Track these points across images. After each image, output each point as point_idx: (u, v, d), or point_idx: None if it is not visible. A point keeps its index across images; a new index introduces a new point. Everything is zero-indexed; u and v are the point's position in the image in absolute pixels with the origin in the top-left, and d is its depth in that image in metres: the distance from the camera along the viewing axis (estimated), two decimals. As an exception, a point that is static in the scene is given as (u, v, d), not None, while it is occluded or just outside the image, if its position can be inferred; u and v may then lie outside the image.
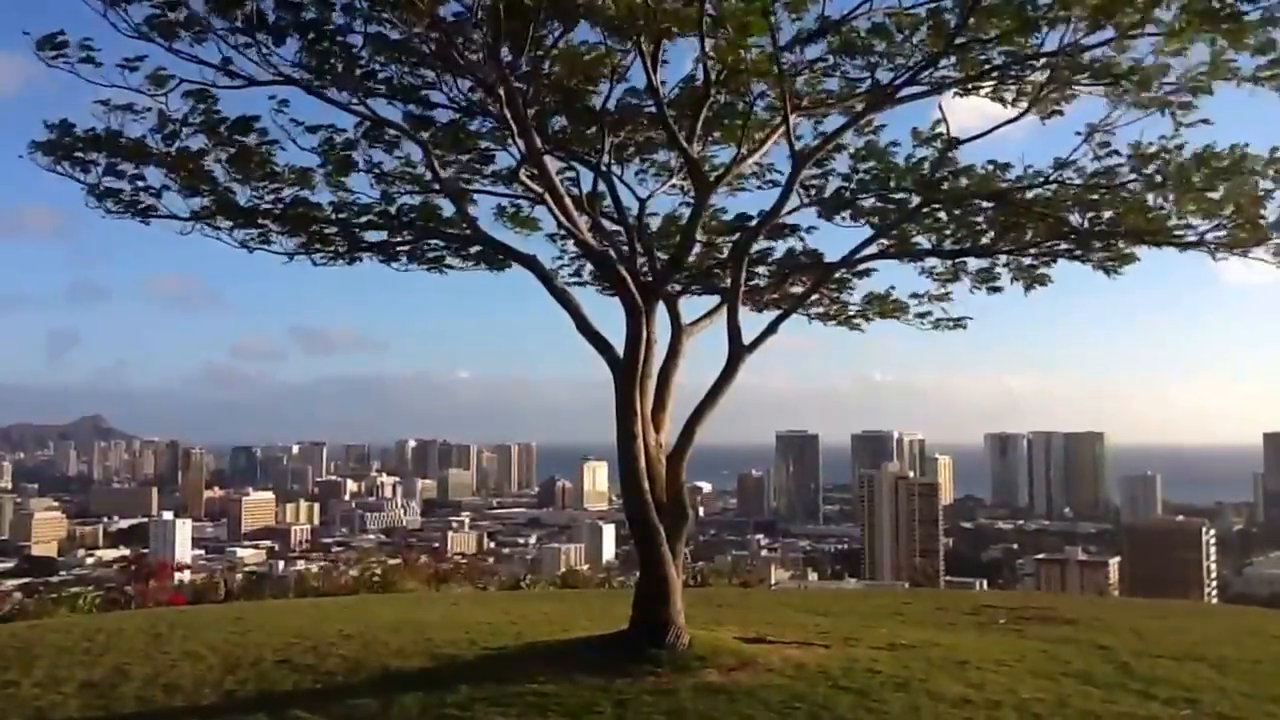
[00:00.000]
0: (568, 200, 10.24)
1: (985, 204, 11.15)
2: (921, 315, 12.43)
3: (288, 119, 9.89)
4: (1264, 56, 8.79)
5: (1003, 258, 11.60)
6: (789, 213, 11.21)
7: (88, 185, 9.98)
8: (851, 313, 12.83)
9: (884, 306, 12.45)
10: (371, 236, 11.37)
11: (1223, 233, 10.34)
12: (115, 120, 9.53)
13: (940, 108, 10.46)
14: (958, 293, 12.20)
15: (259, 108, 10.02)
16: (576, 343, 10.01)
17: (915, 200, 11.18)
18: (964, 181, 10.99)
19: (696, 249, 11.77)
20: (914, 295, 12.31)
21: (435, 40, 9.44)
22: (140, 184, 10.14)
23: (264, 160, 10.18)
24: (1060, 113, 10.10)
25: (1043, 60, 9.31)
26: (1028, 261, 11.62)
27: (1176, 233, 10.54)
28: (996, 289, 11.87)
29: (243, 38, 9.24)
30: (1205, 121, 9.58)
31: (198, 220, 10.50)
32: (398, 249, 11.59)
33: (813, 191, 11.71)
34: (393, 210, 11.13)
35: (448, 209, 11.17)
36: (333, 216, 10.91)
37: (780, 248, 12.43)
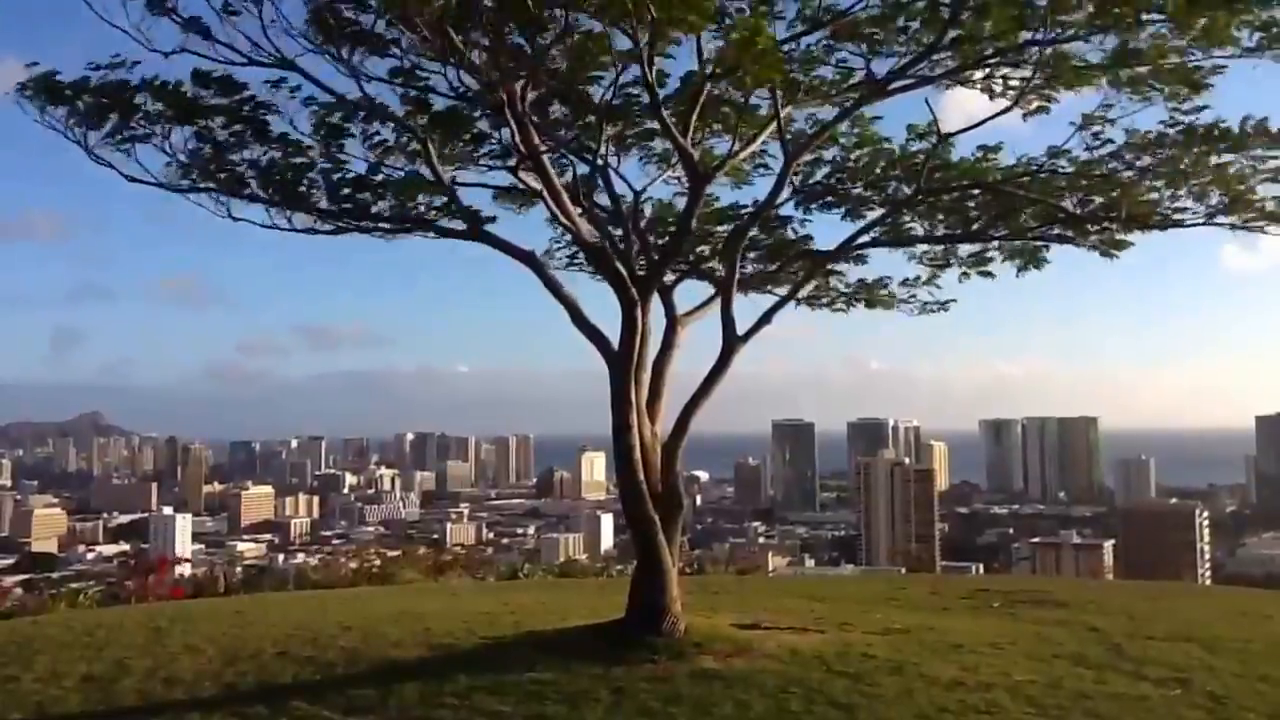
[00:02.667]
0: (564, 195, 10.25)
1: (976, 191, 11.17)
2: (907, 301, 12.49)
3: (285, 94, 9.80)
4: (1263, 33, 8.79)
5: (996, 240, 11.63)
6: (782, 203, 11.23)
7: (67, 115, 9.65)
8: (837, 295, 12.82)
9: (871, 295, 12.49)
10: (358, 199, 11.14)
11: (1224, 217, 10.34)
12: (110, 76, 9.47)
13: (928, 103, 10.47)
14: (949, 279, 12.27)
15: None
16: (574, 333, 10.06)
17: (907, 190, 11.20)
18: (955, 170, 11.00)
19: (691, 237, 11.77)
20: (904, 283, 12.37)
21: (436, 30, 9.37)
22: (124, 123, 9.86)
23: (256, 120, 10.05)
24: (1046, 110, 10.06)
25: (1036, 53, 9.29)
26: (1026, 246, 11.64)
27: (1174, 215, 10.55)
28: (988, 273, 11.94)
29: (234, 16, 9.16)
30: (1204, 107, 9.59)
31: (184, 182, 10.28)
32: (381, 217, 11.27)
33: (798, 179, 11.71)
34: (378, 179, 11.02)
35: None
36: (318, 179, 10.64)
37: (772, 239, 12.44)
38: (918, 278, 12.26)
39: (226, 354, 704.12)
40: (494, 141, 11.21)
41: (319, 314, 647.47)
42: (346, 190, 10.81)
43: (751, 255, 12.40)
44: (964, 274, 12.01)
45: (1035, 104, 10.00)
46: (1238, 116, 9.71)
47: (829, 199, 11.73)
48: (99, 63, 9.36)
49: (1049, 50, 9.14)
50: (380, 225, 11.21)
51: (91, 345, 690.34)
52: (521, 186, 11.24)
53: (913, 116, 11.03)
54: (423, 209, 11.24)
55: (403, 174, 10.88)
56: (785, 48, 9.67)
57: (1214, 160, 9.92)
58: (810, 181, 11.75)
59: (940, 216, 11.74)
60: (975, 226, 11.59)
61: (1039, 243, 11.55)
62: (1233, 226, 10.50)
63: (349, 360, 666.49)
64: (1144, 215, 10.60)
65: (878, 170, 11.38)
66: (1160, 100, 9.64)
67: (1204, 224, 10.52)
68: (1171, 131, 9.86)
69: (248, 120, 10.01)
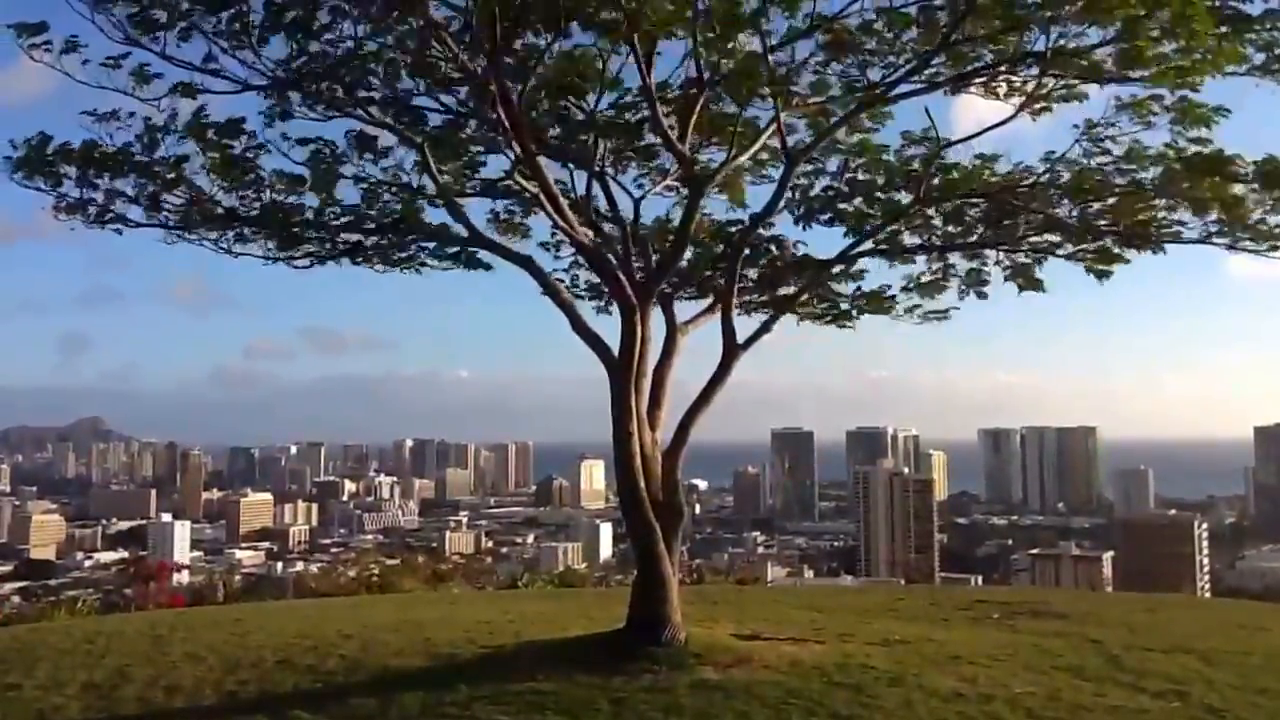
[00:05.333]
0: (563, 201, 10.32)
1: (975, 198, 11.20)
2: (910, 309, 12.47)
3: (279, 134, 10.03)
4: (1267, 53, 8.85)
5: (993, 256, 11.66)
6: (779, 211, 11.28)
7: (56, 197, 10.02)
8: (842, 308, 12.82)
9: (874, 301, 12.46)
10: (351, 238, 11.33)
11: (1226, 236, 10.38)
12: (101, 131, 9.62)
13: (927, 111, 10.51)
14: (947, 294, 12.26)
15: (246, 115, 10.22)
16: (574, 340, 10.11)
17: (906, 199, 11.23)
18: (954, 175, 11.04)
19: (689, 251, 11.82)
20: (904, 289, 12.36)
21: (424, 43, 9.46)
22: (115, 190, 10.14)
23: (250, 166, 10.20)
24: (1049, 109, 10.10)
25: (1033, 60, 9.35)
26: (1021, 261, 11.67)
27: (1168, 229, 10.59)
28: (984, 294, 11.92)
29: (231, 41, 9.27)
30: (1205, 139, 9.62)
31: (174, 229, 10.52)
32: (370, 251, 11.54)
33: (797, 193, 11.75)
34: (374, 212, 11.15)
35: (431, 214, 11.25)
36: (311, 219, 10.86)
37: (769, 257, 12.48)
38: (920, 275, 12.17)
39: (231, 358, 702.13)
40: (484, 156, 11.35)
41: (324, 317, 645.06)
42: (340, 221, 10.95)
43: (751, 273, 12.44)
44: (962, 292, 11.99)
45: (1040, 106, 9.98)
46: (1238, 133, 9.80)
47: (828, 215, 11.75)
48: (92, 110, 9.52)
49: (1048, 46, 9.14)
50: (377, 254, 11.38)
51: (95, 350, 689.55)
52: (520, 191, 11.32)
53: (917, 121, 11.09)
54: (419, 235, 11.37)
55: (397, 204, 11.06)
56: (779, 54, 9.74)
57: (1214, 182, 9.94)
58: (810, 195, 11.79)
59: (938, 225, 11.75)
60: (974, 236, 11.62)
61: (1036, 255, 11.56)
62: (1231, 246, 10.55)
63: (352, 364, 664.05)
64: (1143, 225, 10.61)
65: (879, 183, 11.42)
66: (1164, 125, 9.69)
67: (1201, 241, 10.56)
68: (1173, 157, 9.89)
69: (241, 167, 10.14)
